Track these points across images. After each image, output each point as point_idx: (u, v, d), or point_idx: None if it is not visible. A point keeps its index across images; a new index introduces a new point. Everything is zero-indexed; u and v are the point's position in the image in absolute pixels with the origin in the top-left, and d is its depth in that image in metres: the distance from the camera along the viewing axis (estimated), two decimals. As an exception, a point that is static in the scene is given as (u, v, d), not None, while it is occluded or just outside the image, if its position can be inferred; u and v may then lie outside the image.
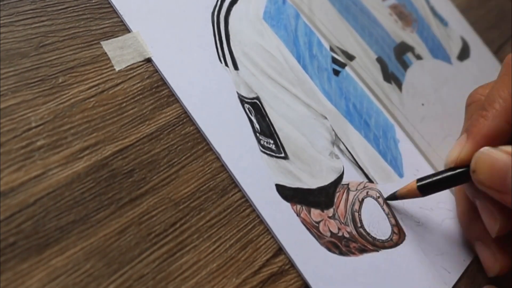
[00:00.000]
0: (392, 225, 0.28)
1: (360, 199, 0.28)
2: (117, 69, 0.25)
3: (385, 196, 0.29)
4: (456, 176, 0.26)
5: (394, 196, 0.28)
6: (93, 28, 0.26)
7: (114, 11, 0.27)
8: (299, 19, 0.33)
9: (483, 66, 0.43)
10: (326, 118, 0.30)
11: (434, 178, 0.27)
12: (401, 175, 0.31)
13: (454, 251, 0.29)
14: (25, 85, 0.23)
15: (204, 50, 0.28)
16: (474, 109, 0.29)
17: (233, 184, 0.25)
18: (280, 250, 0.24)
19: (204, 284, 0.22)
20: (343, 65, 0.33)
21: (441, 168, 0.28)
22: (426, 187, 0.27)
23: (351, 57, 0.34)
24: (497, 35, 0.47)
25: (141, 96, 0.25)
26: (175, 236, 0.22)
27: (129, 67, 0.25)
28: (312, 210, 0.26)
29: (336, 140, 0.29)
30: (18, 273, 0.19)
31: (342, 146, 0.29)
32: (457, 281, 0.28)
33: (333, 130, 0.30)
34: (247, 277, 0.23)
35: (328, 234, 0.26)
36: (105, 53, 0.25)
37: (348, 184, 0.28)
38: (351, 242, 0.26)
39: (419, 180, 0.27)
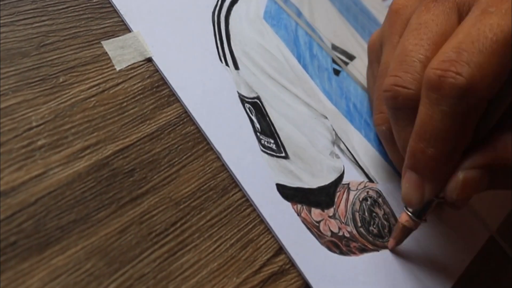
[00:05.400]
0: (392, 225, 0.28)
1: (360, 199, 0.28)
2: (117, 69, 0.25)
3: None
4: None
5: (395, 243, 0.26)
6: (94, 27, 0.26)
7: (115, 11, 0.27)
8: (299, 19, 0.33)
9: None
10: (326, 117, 0.30)
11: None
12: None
13: (454, 251, 0.29)
14: (26, 84, 0.23)
15: (204, 49, 0.28)
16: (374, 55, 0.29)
17: (234, 183, 0.25)
18: (280, 250, 0.24)
19: (205, 283, 0.22)
20: (343, 65, 0.33)
21: None
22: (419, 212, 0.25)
23: (351, 57, 0.34)
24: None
25: (141, 96, 0.25)
26: (176, 235, 0.23)
27: (129, 67, 0.26)
28: (313, 209, 0.26)
29: (336, 140, 0.29)
30: (19, 272, 0.19)
31: (342, 146, 0.29)
32: (457, 281, 0.28)
33: (334, 129, 0.30)
34: (247, 276, 0.23)
35: (329, 233, 0.26)
36: (106, 52, 0.25)
37: (348, 184, 0.28)
38: (351, 242, 0.26)
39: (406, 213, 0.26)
